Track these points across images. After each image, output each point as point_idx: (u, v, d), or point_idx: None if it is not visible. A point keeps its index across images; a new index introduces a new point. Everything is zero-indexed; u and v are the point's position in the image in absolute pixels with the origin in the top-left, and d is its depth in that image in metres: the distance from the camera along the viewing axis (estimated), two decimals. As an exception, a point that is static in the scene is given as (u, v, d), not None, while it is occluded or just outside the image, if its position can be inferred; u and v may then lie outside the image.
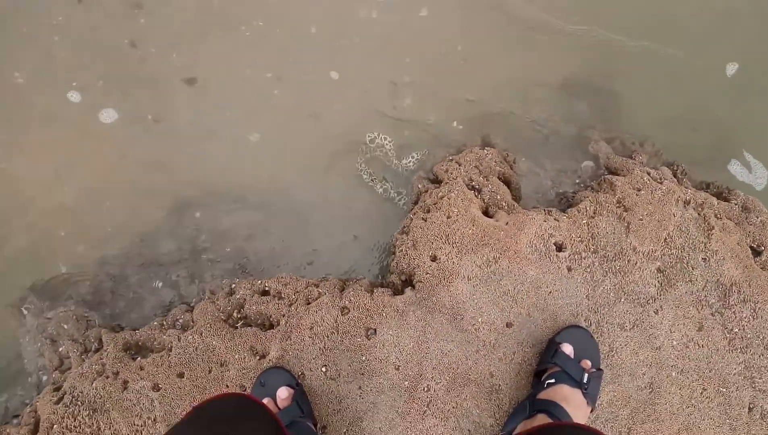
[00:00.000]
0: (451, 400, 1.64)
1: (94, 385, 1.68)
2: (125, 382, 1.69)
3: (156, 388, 1.68)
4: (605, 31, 2.14)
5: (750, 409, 1.70)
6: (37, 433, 1.66)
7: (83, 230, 1.98)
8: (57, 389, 1.72)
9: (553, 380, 1.56)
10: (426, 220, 1.81)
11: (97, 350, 1.78)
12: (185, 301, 1.94)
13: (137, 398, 1.66)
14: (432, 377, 1.65)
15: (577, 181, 2.06)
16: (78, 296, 1.92)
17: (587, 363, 1.60)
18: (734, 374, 1.72)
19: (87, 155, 2.01)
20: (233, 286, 1.85)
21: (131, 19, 2.06)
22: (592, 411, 1.59)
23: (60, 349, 1.81)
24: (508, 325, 1.70)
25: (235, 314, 1.80)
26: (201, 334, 1.73)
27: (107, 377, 1.69)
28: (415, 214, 1.88)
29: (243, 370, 1.68)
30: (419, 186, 1.98)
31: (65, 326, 1.82)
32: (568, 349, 1.61)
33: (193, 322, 1.78)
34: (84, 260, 1.96)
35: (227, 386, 1.66)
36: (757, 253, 1.86)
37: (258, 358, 1.70)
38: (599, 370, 1.61)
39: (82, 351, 1.79)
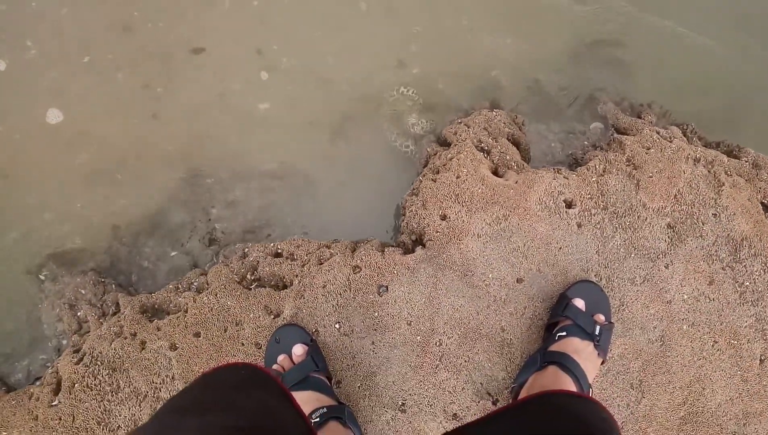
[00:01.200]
0: (463, 354, 1.66)
1: (112, 345, 1.71)
2: (143, 343, 1.72)
3: (173, 347, 1.71)
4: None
5: (761, 361, 1.71)
6: (60, 392, 1.69)
7: (97, 202, 2.00)
8: (77, 351, 1.75)
9: (564, 333, 1.57)
10: (435, 181, 1.82)
11: (114, 313, 1.81)
12: (199, 266, 1.96)
13: (155, 357, 1.69)
14: (444, 332, 1.67)
15: (586, 142, 2.06)
16: (95, 264, 1.95)
17: (599, 317, 1.61)
18: (745, 327, 1.72)
19: (96, 127, 2.04)
20: (246, 249, 1.87)
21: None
22: (603, 363, 1.60)
23: (78, 314, 1.84)
24: (519, 280, 1.71)
25: (248, 276, 1.83)
26: (216, 295, 1.75)
27: (125, 338, 1.72)
28: (424, 175, 1.89)
29: (258, 328, 1.70)
30: (428, 149, 2.00)
31: (82, 291, 1.85)
32: (579, 302, 1.62)
33: (207, 284, 1.81)
34: (99, 231, 1.99)
35: (243, 344, 1.69)
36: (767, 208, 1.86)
37: (272, 316, 1.72)
38: (610, 323, 1.62)
39: (100, 315, 1.82)
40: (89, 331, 1.79)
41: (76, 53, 2.07)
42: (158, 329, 1.73)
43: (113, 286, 1.89)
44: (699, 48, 2.17)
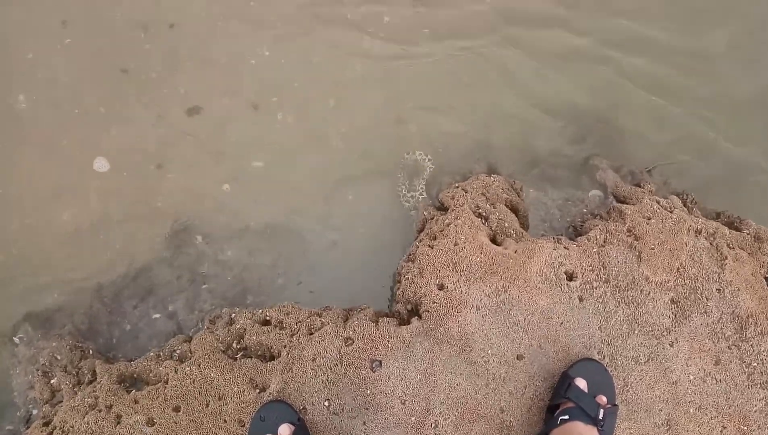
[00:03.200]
0: (460, 436, 1.54)
1: (85, 419, 1.57)
2: (118, 416, 1.58)
3: (151, 422, 1.57)
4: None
5: (772, 448, 1.60)
6: (24, 471, 1.54)
7: (79, 258, 1.89)
8: (47, 424, 1.61)
9: (566, 416, 1.47)
10: (433, 248, 1.73)
11: (90, 382, 1.68)
12: (183, 332, 1.85)
13: (131, 434, 1.55)
14: (440, 412, 1.55)
15: (585, 210, 1.99)
16: (73, 326, 1.83)
17: (602, 398, 1.52)
18: (755, 411, 1.61)
19: (83, 181, 1.93)
20: (233, 315, 1.76)
21: (136, 43, 2.01)
22: (608, 449, 1.49)
23: (52, 381, 1.70)
24: (519, 357, 1.60)
25: (234, 345, 1.71)
26: (199, 365, 1.63)
27: (100, 411, 1.59)
28: (421, 241, 1.80)
29: (242, 403, 1.58)
30: (425, 213, 1.91)
31: (58, 357, 1.72)
32: (582, 383, 1.53)
33: (191, 352, 1.69)
34: (79, 289, 1.88)
35: (225, 421, 1.56)
36: (772, 284, 1.77)
37: (258, 391, 1.60)
38: (614, 405, 1.52)
39: (75, 383, 1.69)
40: (62, 401, 1.65)
41: (69, 104, 1.97)
42: (136, 402, 1.60)
43: (91, 351, 1.77)
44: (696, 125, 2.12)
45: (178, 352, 1.71)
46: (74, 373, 1.71)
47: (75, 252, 1.89)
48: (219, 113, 2.01)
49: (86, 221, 1.91)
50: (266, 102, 2.02)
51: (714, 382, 1.63)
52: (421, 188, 1.98)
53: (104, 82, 1.98)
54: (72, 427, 1.57)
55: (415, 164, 2.01)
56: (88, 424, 1.56)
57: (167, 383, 1.62)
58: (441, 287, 1.68)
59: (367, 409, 1.56)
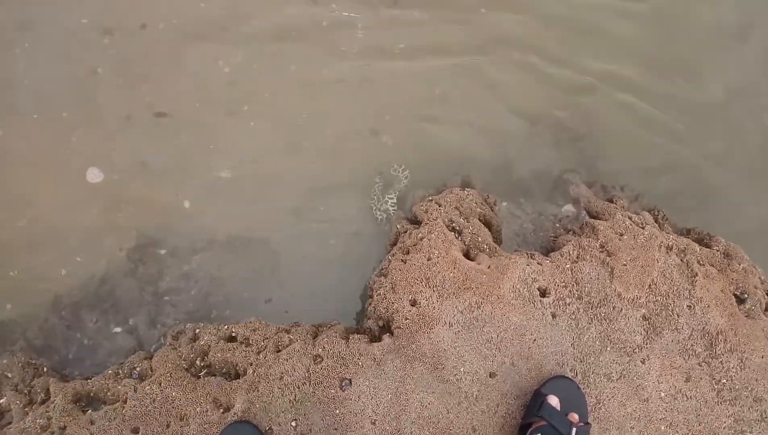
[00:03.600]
0: (432, 457, 1.50)
1: (37, 441, 1.49)
2: (73, 438, 1.50)
3: (107, 444, 1.49)
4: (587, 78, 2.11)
5: (742, 466, 1.60)
6: (-31, 498, 1.45)
7: (35, 269, 1.81)
8: (-6, 447, 1.52)
9: (539, 435, 1.44)
10: (405, 262, 1.70)
11: (43, 402, 1.60)
12: (144, 348, 1.77)
13: (85, 456, 1.48)
14: (411, 432, 1.51)
15: (558, 225, 1.98)
16: (25, 341, 1.74)
17: (575, 416, 1.50)
18: (724, 428, 1.61)
19: (45, 190, 1.85)
20: (197, 331, 1.70)
21: (99, 47, 1.94)
22: (581, 469, 1.47)
23: (0, 401, 1.61)
24: (492, 375, 1.58)
25: (198, 362, 1.65)
26: (160, 384, 1.56)
27: (53, 433, 1.51)
28: (393, 255, 1.77)
29: (205, 424, 1.51)
30: (398, 227, 1.88)
31: (9, 375, 1.63)
32: (554, 401, 1.51)
33: (151, 370, 1.62)
34: (35, 302, 1.79)
35: (187, 443, 1.49)
36: (740, 300, 1.79)
37: (222, 411, 1.54)
38: (587, 423, 1.50)
39: (26, 403, 1.60)
40: (11, 423, 1.56)
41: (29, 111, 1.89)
42: (92, 423, 1.52)
43: (45, 368, 1.69)
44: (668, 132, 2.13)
45: (138, 369, 1.64)
46: (26, 392, 1.63)
47: (31, 263, 1.81)
48: (187, 121, 1.94)
49: (43, 231, 1.83)
50: (238, 110, 1.97)
51: (685, 399, 1.62)
52: (393, 201, 1.95)
53: (67, 87, 1.91)
54: (22, 450, 1.49)
55: (390, 177, 1.97)
56: (39, 446, 1.49)
57: (126, 403, 1.55)
58: (413, 303, 1.64)
59: (335, 429, 1.51)
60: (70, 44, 1.93)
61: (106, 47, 1.95)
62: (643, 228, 1.82)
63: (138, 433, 1.51)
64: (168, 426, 1.51)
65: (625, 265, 1.72)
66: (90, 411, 1.55)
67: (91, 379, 1.63)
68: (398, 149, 2.00)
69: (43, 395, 1.62)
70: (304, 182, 1.96)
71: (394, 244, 1.86)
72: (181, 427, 1.51)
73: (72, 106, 1.91)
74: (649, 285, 1.71)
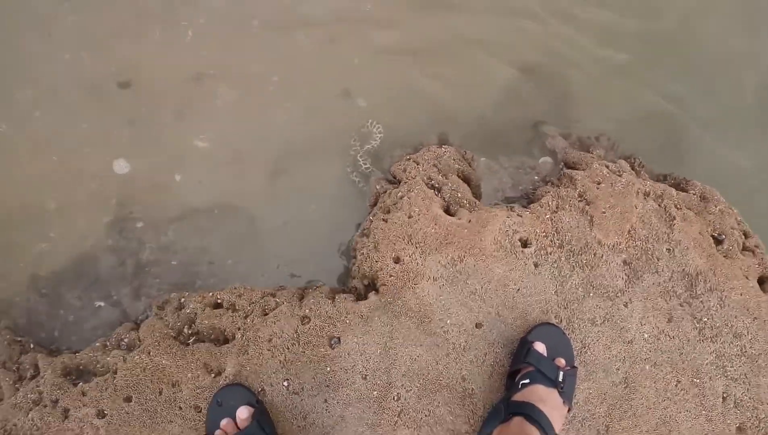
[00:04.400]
0: (423, 407, 1.54)
1: (30, 416, 1.51)
2: (66, 411, 1.52)
3: (101, 414, 1.52)
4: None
5: (724, 399, 1.66)
6: (-35, 475, 1.47)
7: (12, 248, 1.81)
8: (-14, 424, 1.54)
9: (527, 380, 1.49)
10: (387, 221, 1.72)
11: (33, 377, 1.61)
12: (130, 320, 1.79)
13: (80, 427, 1.50)
14: (402, 385, 1.55)
15: (536, 177, 2.01)
16: (10, 320, 1.74)
17: (561, 361, 1.54)
18: (707, 364, 1.68)
19: (18, 164, 1.84)
20: (182, 300, 1.72)
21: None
22: (569, 410, 1.53)
23: (-11, 379, 1.62)
24: (478, 325, 1.62)
25: (185, 330, 1.67)
26: (149, 353, 1.58)
27: (45, 406, 1.53)
28: (374, 215, 1.79)
29: (197, 389, 1.54)
30: (377, 187, 1.90)
31: (-5, 353, 1.64)
32: (540, 347, 1.55)
33: (139, 341, 1.64)
34: (14, 281, 1.79)
35: (180, 408, 1.52)
36: (718, 241, 1.84)
37: (213, 375, 1.57)
38: (573, 367, 1.56)
39: (16, 379, 1.61)
40: (2, 399, 1.57)
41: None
42: (83, 394, 1.54)
43: (31, 345, 1.69)
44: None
45: (125, 340, 1.66)
46: (14, 369, 1.63)
47: (6, 242, 1.80)
48: (153, 89, 1.93)
49: (18, 208, 1.82)
50: (205, 76, 1.96)
51: (667, 338, 1.68)
52: (368, 166, 1.96)
53: (25, 54, 1.89)
54: (15, 425, 1.50)
55: (364, 135, 1.98)
56: (32, 421, 1.50)
57: (116, 373, 1.56)
58: (397, 260, 1.67)
59: (327, 386, 1.54)
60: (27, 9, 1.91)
61: (65, 12, 1.92)
62: (620, 176, 1.86)
63: (131, 401, 1.53)
64: (161, 393, 1.54)
65: (603, 212, 1.76)
66: (81, 383, 1.57)
67: (79, 352, 1.64)
68: (373, 109, 2.01)
69: (32, 371, 1.63)
70: (278, 148, 1.96)
71: (374, 204, 1.89)
72: (173, 393, 1.54)
73: (34, 79, 1.89)
74: (629, 231, 1.75)
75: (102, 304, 1.80)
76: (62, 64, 1.91)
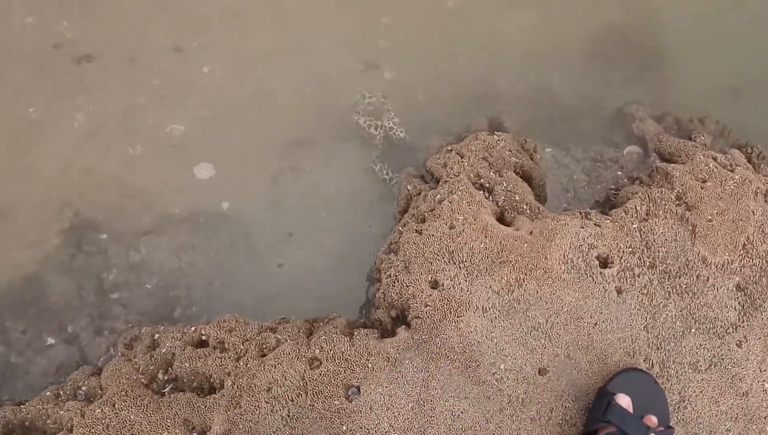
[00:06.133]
0: (469, 481, 1.56)
1: (-39, 486, 1.56)
2: (7, 481, 1.57)
3: (52, 486, 1.56)
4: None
5: None
6: None
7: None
8: None
9: (607, 445, 1.48)
10: (421, 234, 1.74)
11: (-35, 437, 1.66)
12: (89, 361, 1.82)
13: (25, 502, 1.54)
14: (441, 450, 1.56)
15: (620, 173, 2.01)
16: (-64, 362, 1.80)
17: (652, 419, 1.53)
18: None
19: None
20: (156, 336, 1.75)
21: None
22: (663, 486, 1.52)
23: None
24: (542, 371, 1.62)
25: (161, 376, 1.70)
26: (113, 405, 1.62)
27: (-20, 475, 1.57)
28: (405, 225, 1.80)
29: (175, 453, 1.57)
30: (408, 187, 1.91)
31: None
32: (624, 401, 1.54)
33: (101, 389, 1.67)
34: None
35: (153, 478, 1.55)
36: None
37: (196, 435, 1.59)
38: (669, 427, 1.55)
39: (-58, 439, 1.66)
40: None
41: None
42: (30, 459, 1.58)
43: (-36, 394, 1.74)
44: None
45: (84, 389, 1.69)
46: (-60, 425, 1.69)
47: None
48: (120, 62, 1.97)
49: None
50: (188, 47, 1.99)
51: (796, 390, 1.67)
52: (381, 145, 1.97)
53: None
54: (-56, 498, 1.55)
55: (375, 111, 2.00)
56: (-35, 493, 1.55)
57: (72, 431, 1.59)
58: (434, 285, 1.68)
59: (343, 451, 1.56)
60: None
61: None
62: (732, 171, 1.85)
63: (90, 468, 1.57)
64: (128, 458, 1.57)
65: (710, 220, 1.75)
66: (26, 444, 1.61)
67: (24, 404, 1.68)
68: (402, 84, 2.02)
69: (-36, 429, 1.68)
70: (281, 137, 1.99)
71: (405, 210, 1.90)
72: (144, 458, 1.57)
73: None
74: (744, 245, 1.74)
75: (53, 340, 1.84)
76: (5, 33, 1.95)
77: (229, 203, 1.96)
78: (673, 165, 1.89)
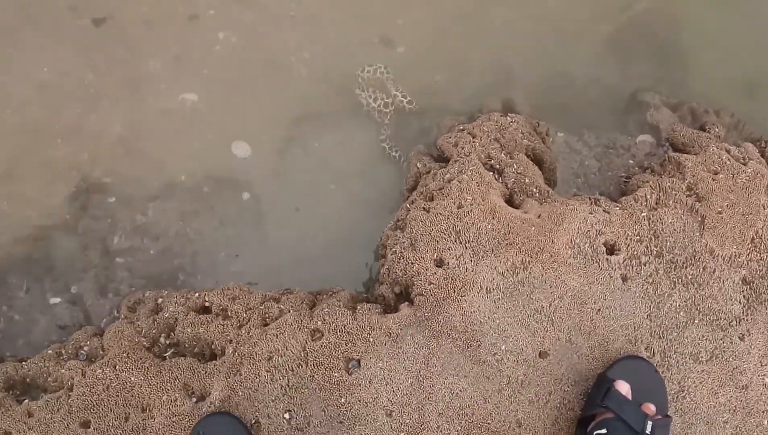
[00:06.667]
0: (465, 458, 1.57)
1: (-40, 439, 1.58)
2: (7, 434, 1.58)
3: (51, 442, 1.58)
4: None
5: None
6: None
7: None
8: None
9: (603, 431, 1.49)
10: (429, 212, 1.74)
11: (-33, 390, 1.68)
12: (92, 322, 1.84)
13: (23, 457, 1.56)
14: (438, 426, 1.58)
15: (631, 161, 2.01)
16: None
17: (650, 407, 1.54)
18: None
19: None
20: (160, 300, 1.77)
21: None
22: (658, 474, 1.53)
23: None
24: (542, 354, 1.63)
25: (162, 340, 1.72)
26: (114, 366, 1.63)
27: (-20, 427, 1.59)
28: (413, 202, 1.81)
29: (174, 416, 1.59)
30: (418, 165, 1.92)
31: None
32: (624, 387, 1.55)
33: (103, 350, 1.69)
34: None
35: (151, 442, 1.57)
36: None
37: (195, 399, 1.62)
38: (666, 416, 1.55)
39: (-56, 391, 1.68)
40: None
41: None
42: (29, 415, 1.60)
43: (-33, 349, 1.76)
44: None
45: (85, 349, 1.71)
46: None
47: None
48: (134, 26, 1.97)
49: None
50: (203, 14, 1.99)
51: (796, 386, 1.67)
52: (385, 116, 1.97)
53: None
54: (-58, 451, 1.57)
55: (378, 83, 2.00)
56: (-36, 446, 1.57)
57: (72, 390, 1.62)
58: (440, 263, 1.69)
59: (341, 423, 1.57)
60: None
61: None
62: (745, 164, 1.85)
63: (89, 427, 1.58)
64: (127, 419, 1.59)
65: (720, 212, 1.75)
66: (27, 400, 1.63)
67: (26, 361, 1.70)
68: (416, 61, 2.02)
69: (-34, 383, 1.70)
70: (292, 109, 2.00)
71: (413, 188, 1.90)
72: (143, 420, 1.58)
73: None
74: (752, 239, 1.74)
75: (57, 300, 1.86)
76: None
77: (237, 174, 1.97)
78: (685, 155, 1.89)
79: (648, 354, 1.65)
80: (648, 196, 1.79)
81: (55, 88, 1.94)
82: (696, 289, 1.70)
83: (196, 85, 1.98)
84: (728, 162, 1.84)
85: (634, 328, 1.66)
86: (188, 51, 1.99)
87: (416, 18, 2.04)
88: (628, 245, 1.72)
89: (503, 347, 1.63)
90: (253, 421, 1.59)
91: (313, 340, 1.63)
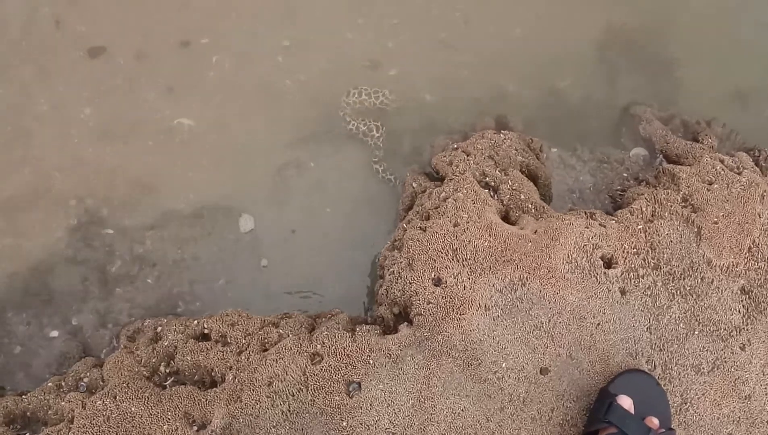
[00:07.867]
0: (469, 479, 1.56)
1: (-38, 475, 1.57)
2: (7, 470, 1.58)
3: (51, 476, 1.57)
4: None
5: None
6: None
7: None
8: None
9: (608, 446, 1.48)
10: (425, 231, 1.74)
11: (-35, 426, 1.67)
12: (92, 353, 1.84)
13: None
14: (440, 448, 1.56)
15: (626, 174, 2.02)
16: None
17: (653, 421, 1.53)
18: None
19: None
20: (159, 329, 1.76)
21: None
22: (663, 489, 1.52)
23: None
24: (543, 371, 1.62)
25: (162, 369, 1.71)
26: (115, 397, 1.62)
27: (-19, 463, 1.58)
28: (409, 222, 1.81)
29: (175, 446, 1.58)
30: (413, 184, 1.92)
31: None
32: (626, 402, 1.54)
33: (103, 381, 1.68)
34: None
35: (153, 470, 1.56)
36: None
37: (196, 428, 1.60)
38: (670, 429, 1.54)
39: (-56, 427, 1.67)
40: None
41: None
42: (30, 449, 1.59)
43: (-34, 383, 1.76)
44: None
45: (85, 380, 1.71)
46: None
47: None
48: (130, 56, 1.98)
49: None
50: (196, 41, 2.00)
51: (799, 394, 1.66)
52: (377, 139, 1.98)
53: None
54: (-55, 486, 1.56)
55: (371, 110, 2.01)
56: (-34, 481, 1.56)
57: (73, 423, 1.60)
58: (437, 282, 1.68)
59: (343, 446, 1.57)
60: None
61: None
62: (739, 173, 1.85)
63: (90, 459, 1.58)
64: (128, 450, 1.58)
65: (716, 222, 1.75)
66: (27, 434, 1.62)
67: (26, 394, 1.69)
68: (407, 83, 2.03)
69: (-34, 418, 1.69)
70: (286, 133, 2.00)
71: (409, 208, 1.90)
72: (144, 450, 1.58)
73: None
74: (749, 248, 1.74)
75: (56, 332, 1.85)
76: (15, 26, 1.97)
77: (233, 199, 1.97)
78: (679, 166, 1.89)
79: (649, 367, 1.64)
80: (644, 209, 1.79)
81: (52, 121, 1.94)
82: (695, 300, 1.69)
83: (191, 111, 1.99)
84: (722, 172, 1.84)
85: (635, 341, 1.66)
86: (182, 78, 2.00)
87: (407, 42, 2.05)
88: (626, 258, 1.72)
89: (504, 365, 1.62)
90: (255, 448, 1.58)
91: (312, 364, 1.63)
